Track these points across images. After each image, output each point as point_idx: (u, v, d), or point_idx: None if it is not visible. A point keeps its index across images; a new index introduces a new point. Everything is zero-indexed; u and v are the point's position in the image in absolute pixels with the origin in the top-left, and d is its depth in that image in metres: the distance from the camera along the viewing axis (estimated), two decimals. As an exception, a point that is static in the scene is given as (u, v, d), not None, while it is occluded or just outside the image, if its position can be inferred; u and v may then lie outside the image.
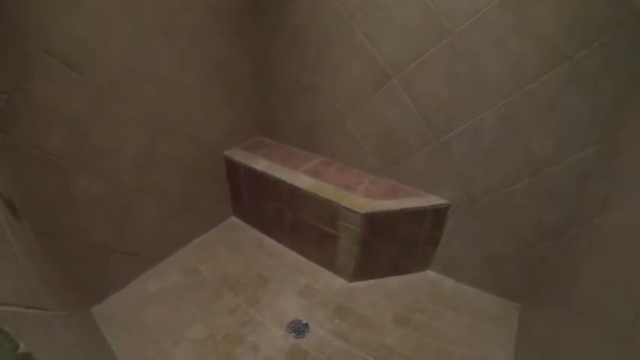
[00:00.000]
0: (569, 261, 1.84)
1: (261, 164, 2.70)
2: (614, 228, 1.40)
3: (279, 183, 2.57)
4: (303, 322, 2.24)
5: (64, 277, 1.89)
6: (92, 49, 1.81)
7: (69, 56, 1.72)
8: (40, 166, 1.76)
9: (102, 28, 1.83)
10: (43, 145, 1.74)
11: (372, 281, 2.56)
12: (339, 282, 2.55)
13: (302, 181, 2.52)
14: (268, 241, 2.91)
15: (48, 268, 1.66)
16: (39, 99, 1.67)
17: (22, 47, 1.56)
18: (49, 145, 1.77)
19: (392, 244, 2.47)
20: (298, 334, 2.17)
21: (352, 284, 2.53)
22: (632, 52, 1.62)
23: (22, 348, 0.69)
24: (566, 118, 1.87)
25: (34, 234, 1.65)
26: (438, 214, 2.41)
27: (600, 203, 1.63)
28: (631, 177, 1.41)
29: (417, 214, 2.37)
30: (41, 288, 1.24)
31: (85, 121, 1.89)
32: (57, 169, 1.83)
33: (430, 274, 2.65)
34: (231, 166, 2.86)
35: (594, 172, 1.82)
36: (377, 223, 2.33)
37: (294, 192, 2.52)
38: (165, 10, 2.11)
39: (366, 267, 2.50)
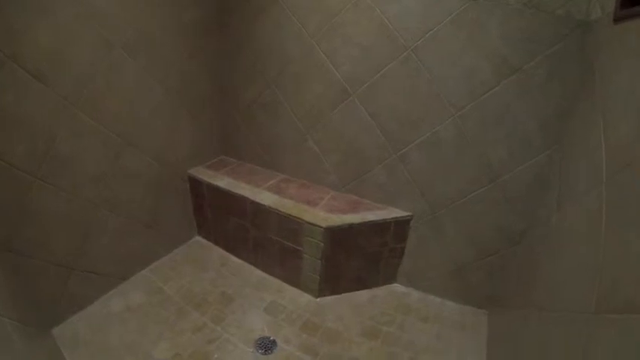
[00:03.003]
0: (530, 262, 1.90)
1: (224, 182, 2.70)
2: (569, 224, 1.47)
3: (242, 200, 2.57)
4: (271, 338, 2.22)
5: (21, 295, 1.83)
6: (57, 60, 1.81)
7: (34, 65, 1.71)
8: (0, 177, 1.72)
9: (68, 40, 1.83)
10: (7, 155, 1.71)
11: (338, 296, 2.56)
12: (306, 298, 2.54)
13: (264, 197, 2.53)
14: (233, 259, 2.88)
15: (3, 284, 1.61)
16: (3, 107, 1.65)
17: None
18: (13, 156, 1.73)
19: (356, 258, 2.49)
20: (266, 350, 2.14)
21: (318, 300, 2.52)
22: (574, 62, 1.76)
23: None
24: (519, 126, 2.00)
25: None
26: (400, 226, 2.45)
27: (555, 204, 1.71)
28: (577, 178, 1.49)
29: (379, 226, 2.41)
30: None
31: (48, 133, 1.86)
32: (18, 181, 1.79)
33: (396, 286, 2.68)
34: (195, 185, 2.84)
35: (548, 175, 1.93)
36: (339, 237, 2.35)
37: (257, 209, 2.52)
38: (131, 25, 2.13)
39: (332, 282, 2.51)
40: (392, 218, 2.42)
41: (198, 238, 3.10)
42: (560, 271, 1.45)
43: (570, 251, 1.39)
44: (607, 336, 0.97)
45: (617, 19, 1.43)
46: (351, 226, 2.34)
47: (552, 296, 1.46)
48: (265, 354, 2.12)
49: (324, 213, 2.39)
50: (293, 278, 2.59)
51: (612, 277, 1.02)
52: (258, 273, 2.76)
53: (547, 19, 1.77)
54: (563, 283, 1.37)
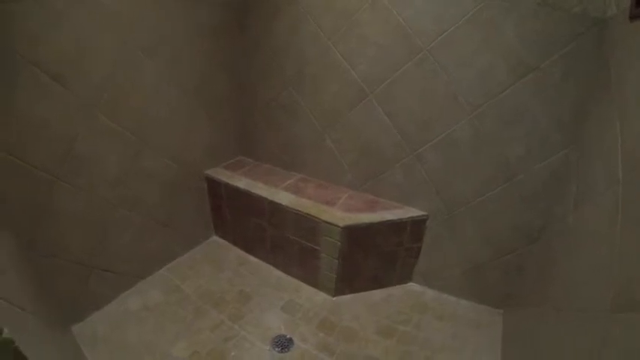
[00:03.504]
0: (546, 261, 1.90)
1: (242, 182, 2.74)
2: (586, 224, 1.48)
3: (260, 200, 2.61)
4: (287, 336, 2.25)
5: (44, 293, 1.88)
6: (78, 63, 1.86)
7: (55, 69, 1.77)
8: (24, 178, 1.77)
9: (88, 44, 1.89)
10: (29, 156, 1.77)
11: (354, 295, 2.58)
12: (322, 297, 2.57)
13: (282, 197, 2.57)
14: (250, 259, 2.92)
15: (28, 282, 1.66)
16: (24, 110, 1.70)
17: (9, 57, 1.59)
18: (35, 157, 1.79)
19: (372, 257, 2.50)
20: (282, 348, 2.17)
21: (335, 298, 2.55)
22: (590, 61, 1.76)
23: (6, 333, 0.70)
24: (535, 125, 2.00)
25: (15, 246, 1.66)
26: (417, 225, 2.47)
27: (572, 203, 1.71)
28: (594, 177, 1.49)
29: (396, 226, 2.43)
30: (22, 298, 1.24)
31: (69, 134, 1.92)
32: (40, 181, 1.85)
33: (412, 285, 2.69)
34: (213, 185, 2.90)
35: (565, 174, 1.93)
36: (356, 236, 2.37)
37: (275, 208, 2.56)
38: (150, 28, 2.20)
39: (348, 281, 2.53)
40: (408, 218, 2.43)
41: (215, 237, 3.15)
42: (577, 269, 1.45)
43: (587, 250, 1.40)
44: (622, 334, 0.97)
45: (632, 17, 1.42)
46: (368, 226, 2.36)
47: (569, 295, 1.46)
48: (282, 352, 2.15)
49: (341, 212, 2.42)
50: (310, 277, 2.62)
51: (628, 276, 1.02)
52: (275, 272, 2.80)
53: (563, 18, 1.78)
54: (580, 281, 1.38)
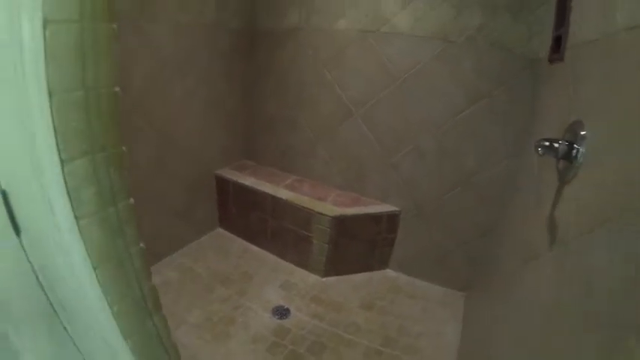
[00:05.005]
0: (497, 251, 2.29)
1: (249, 181, 3.25)
2: (519, 220, 1.97)
3: (264, 196, 3.13)
4: (285, 307, 2.72)
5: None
6: (122, 76, 2.36)
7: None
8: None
9: (132, 62, 2.39)
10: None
11: (340, 277, 3.08)
12: (313, 277, 3.06)
13: (282, 193, 3.09)
14: (252, 247, 3.39)
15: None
16: None
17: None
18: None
19: (356, 244, 3.03)
20: (281, 316, 2.63)
21: (324, 279, 3.05)
22: (528, 91, 2.30)
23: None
24: (486, 141, 2.56)
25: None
26: (392, 219, 3.02)
27: (513, 204, 2.16)
28: (529, 182, 1.97)
29: (374, 218, 2.98)
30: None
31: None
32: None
33: (389, 272, 3.21)
34: (222, 183, 3.39)
35: (507, 180, 2.45)
36: (343, 225, 2.90)
37: (277, 203, 3.07)
38: (181, 50, 2.72)
39: (335, 264, 3.04)
40: (384, 212, 2.98)
41: (219, 229, 3.62)
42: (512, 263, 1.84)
43: (517, 246, 1.84)
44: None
45: (550, 60, 1.88)
46: (352, 217, 2.90)
47: (510, 278, 1.79)
48: (281, 319, 2.60)
49: (331, 206, 2.95)
50: (303, 261, 3.11)
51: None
52: (274, 258, 3.27)
53: (509, 57, 2.36)
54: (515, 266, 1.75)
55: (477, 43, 2.44)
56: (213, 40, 3.00)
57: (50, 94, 0.81)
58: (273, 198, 3.08)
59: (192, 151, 3.07)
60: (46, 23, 0.78)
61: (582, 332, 0.88)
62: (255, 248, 3.39)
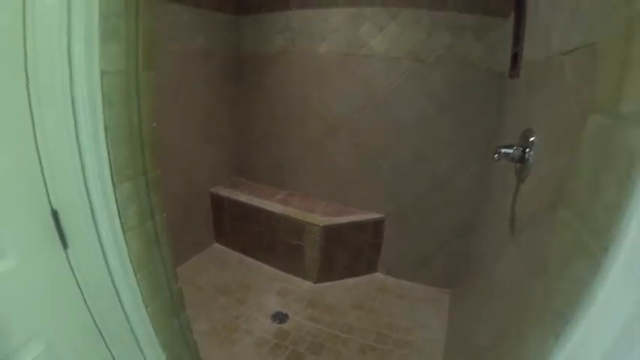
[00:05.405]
0: (475, 248, 2.46)
1: (243, 197, 3.46)
2: (490, 218, 2.21)
3: (258, 210, 3.34)
4: (284, 312, 2.91)
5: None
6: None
7: None
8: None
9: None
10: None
11: (332, 282, 3.29)
12: (307, 284, 3.27)
13: (275, 207, 3.30)
14: (248, 260, 3.58)
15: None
16: None
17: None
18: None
19: (345, 251, 3.25)
20: (280, 321, 2.81)
21: (317, 285, 3.25)
22: (494, 102, 2.52)
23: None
24: (457, 148, 2.83)
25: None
26: (377, 225, 3.25)
27: (486, 206, 2.36)
28: (497, 185, 2.24)
29: (361, 225, 3.21)
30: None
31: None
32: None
33: (377, 275, 3.43)
34: (217, 200, 3.59)
35: (479, 183, 2.70)
36: (332, 234, 3.13)
37: (270, 216, 3.28)
38: (173, 76, 2.94)
39: (327, 270, 3.25)
40: (369, 219, 3.22)
41: (216, 245, 3.80)
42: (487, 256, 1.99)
43: (490, 239, 2.05)
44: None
45: (510, 76, 2.10)
46: (340, 225, 3.13)
47: (488, 274, 1.89)
48: (280, 323, 2.79)
49: (320, 216, 3.17)
50: (297, 269, 3.31)
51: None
52: (269, 268, 3.47)
53: (475, 71, 2.66)
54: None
55: (446, 61, 2.73)
56: (204, 65, 3.23)
57: (106, 130, 1.02)
58: (267, 212, 3.29)
59: (186, 171, 3.27)
60: (102, 74, 0.99)
61: (535, 303, 1.04)
62: (251, 260, 3.58)
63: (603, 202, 0.62)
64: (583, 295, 0.62)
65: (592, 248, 0.63)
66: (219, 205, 3.60)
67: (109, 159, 1.04)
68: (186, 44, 3.01)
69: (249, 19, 3.46)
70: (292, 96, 3.37)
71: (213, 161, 3.61)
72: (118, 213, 1.11)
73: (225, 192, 3.57)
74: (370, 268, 3.43)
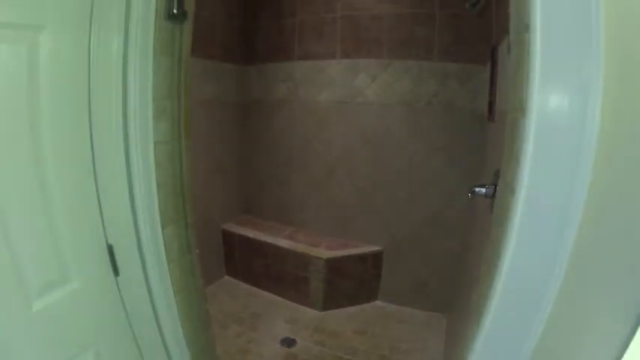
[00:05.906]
0: (465, 275, 2.58)
1: (252, 233, 3.77)
2: (476, 245, 2.50)
3: (266, 245, 3.64)
4: (292, 338, 3.14)
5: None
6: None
7: None
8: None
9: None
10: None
11: (336, 310, 3.52)
12: (313, 312, 3.51)
13: (282, 242, 3.60)
14: (257, 291, 3.83)
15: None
16: None
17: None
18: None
19: (347, 281, 3.51)
20: (289, 345, 3.04)
21: (323, 313, 3.49)
22: (478, 141, 2.75)
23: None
24: (446, 184, 3.13)
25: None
26: (376, 257, 3.53)
27: (475, 234, 2.50)
28: (479, 214, 2.56)
29: (361, 257, 3.50)
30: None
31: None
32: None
33: (378, 302, 3.66)
34: (228, 236, 3.89)
35: (468, 215, 2.95)
36: (335, 266, 3.40)
37: (277, 250, 3.58)
38: (196, 125, 3.25)
39: (331, 299, 3.50)
40: (369, 251, 3.51)
41: (227, 277, 4.07)
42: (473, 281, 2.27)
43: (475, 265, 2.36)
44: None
45: (488, 119, 2.37)
46: (342, 258, 3.42)
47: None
48: (289, 347, 3.03)
49: (324, 250, 3.46)
50: (303, 299, 3.57)
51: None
52: (277, 298, 3.72)
53: (461, 114, 2.98)
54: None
55: (434, 106, 3.08)
56: (212, 112, 3.58)
57: (158, 187, 1.34)
58: (274, 247, 3.59)
59: (200, 210, 3.55)
60: (156, 144, 1.32)
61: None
62: (260, 291, 3.84)
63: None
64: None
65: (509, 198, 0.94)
66: (230, 240, 3.90)
67: (159, 207, 1.36)
68: (198, 93, 3.33)
69: (255, 69, 3.87)
70: (295, 139, 3.72)
71: (224, 200, 3.93)
72: (165, 248, 1.41)
73: (234, 228, 3.88)
74: (371, 296, 3.67)
